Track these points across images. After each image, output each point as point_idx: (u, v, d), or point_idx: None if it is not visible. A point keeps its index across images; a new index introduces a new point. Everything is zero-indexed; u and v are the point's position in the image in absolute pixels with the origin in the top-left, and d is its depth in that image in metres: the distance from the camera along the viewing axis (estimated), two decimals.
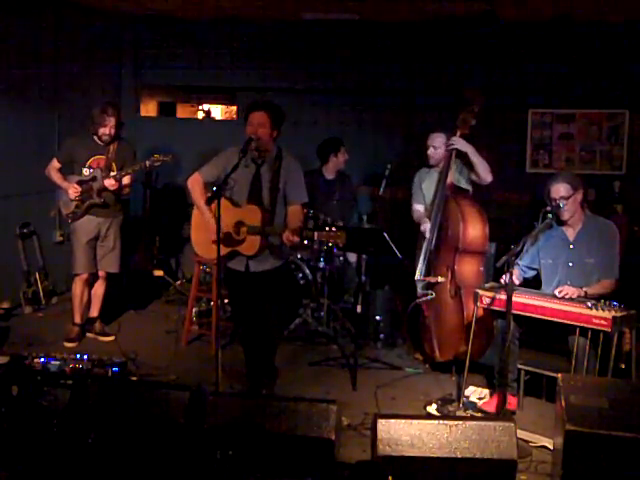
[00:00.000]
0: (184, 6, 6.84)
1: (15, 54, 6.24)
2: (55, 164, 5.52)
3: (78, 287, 5.60)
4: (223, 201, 4.18)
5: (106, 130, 5.40)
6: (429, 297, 5.03)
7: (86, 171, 5.45)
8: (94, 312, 5.74)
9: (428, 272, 5.11)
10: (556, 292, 4.27)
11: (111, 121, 5.38)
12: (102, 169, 5.42)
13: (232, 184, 4.30)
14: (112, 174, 5.40)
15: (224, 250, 4.26)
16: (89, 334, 5.72)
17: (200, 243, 4.45)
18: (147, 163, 5.33)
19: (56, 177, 5.51)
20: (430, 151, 5.23)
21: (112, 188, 5.37)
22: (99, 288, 5.70)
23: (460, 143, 5.04)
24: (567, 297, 4.20)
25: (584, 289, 4.24)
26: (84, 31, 7.06)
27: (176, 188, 7.59)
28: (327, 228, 3.76)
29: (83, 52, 7.10)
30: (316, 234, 3.78)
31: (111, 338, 5.68)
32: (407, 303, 5.32)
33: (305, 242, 3.84)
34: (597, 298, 4.10)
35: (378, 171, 6.05)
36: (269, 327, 4.47)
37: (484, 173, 5.05)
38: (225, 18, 7.21)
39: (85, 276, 5.58)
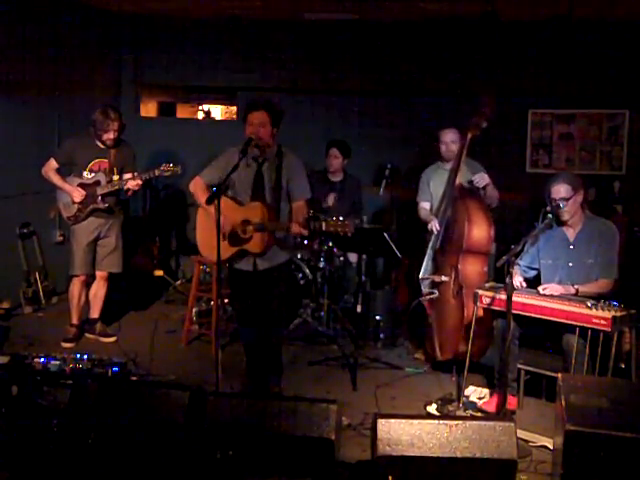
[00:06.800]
0: (184, 6, 6.84)
1: (15, 54, 6.23)
2: (53, 164, 5.41)
3: (76, 288, 5.54)
4: (228, 201, 4.24)
5: (110, 135, 5.33)
6: (432, 296, 5.03)
7: (88, 174, 5.38)
8: (95, 313, 5.65)
9: (433, 271, 5.11)
10: (540, 289, 4.30)
11: (114, 125, 5.30)
12: (106, 173, 5.37)
13: (234, 184, 4.31)
14: (126, 176, 5.37)
15: (232, 250, 4.28)
16: (90, 335, 5.65)
17: (205, 244, 4.41)
18: (156, 172, 5.28)
19: (56, 179, 5.40)
20: (443, 149, 5.25)
21: (137, 188, 5.34)
22: (100, 289, 5.61)
23: (484, 180, 5.09)
24: (550, 294, 4.23)
25: (576, 286, 4.25)
26: (84, 31, 7.06)
27: (176, 188, 7.60)
28: (334, 218, 3.79)
29: (83, 52, 7.10)
30: (324, 224, 3.80)
31: (113, 339, 5.61)
32: (408, 303, 5.32)
33: (314, 232, 3.88)
34: (594, 297, 4.10)
35: (378, 171, 6.05)
36: (275, 324, 4.48)
37: (493, 202, 5.20)
38: (225, 18, 7.21)
39: (83, 277, 5.54)
